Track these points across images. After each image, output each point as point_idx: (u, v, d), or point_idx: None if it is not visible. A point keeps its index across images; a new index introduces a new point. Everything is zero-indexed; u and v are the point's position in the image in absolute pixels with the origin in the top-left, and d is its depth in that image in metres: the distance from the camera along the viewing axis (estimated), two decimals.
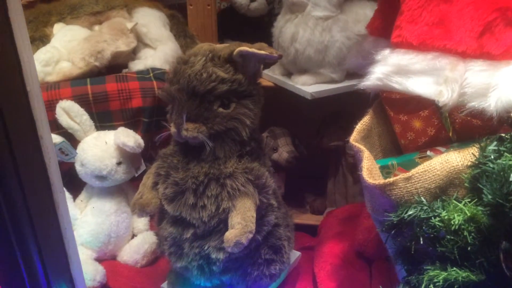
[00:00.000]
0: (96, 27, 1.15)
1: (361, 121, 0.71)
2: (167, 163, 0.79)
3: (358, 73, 1.14)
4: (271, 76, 1.32)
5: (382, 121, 0.73)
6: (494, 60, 0.56)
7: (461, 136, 0.65)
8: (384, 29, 0.80)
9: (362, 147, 0.65)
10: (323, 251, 0.93)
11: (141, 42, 1.18)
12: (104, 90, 1.02)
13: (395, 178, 0.59)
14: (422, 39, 0.61)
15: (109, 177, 0.98)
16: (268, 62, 0.82)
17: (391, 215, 0.59)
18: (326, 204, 1.43)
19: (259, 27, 1.38)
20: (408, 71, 0.63)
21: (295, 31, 1.17)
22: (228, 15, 1.36)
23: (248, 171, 0.76)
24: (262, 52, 0.74)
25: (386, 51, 0.67)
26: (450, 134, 0.65)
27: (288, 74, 1.30)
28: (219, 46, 0.79)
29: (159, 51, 1.14)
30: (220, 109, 0.74)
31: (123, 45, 1.09)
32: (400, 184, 0.59)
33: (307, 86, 1.23)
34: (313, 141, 1.43)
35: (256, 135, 0.81)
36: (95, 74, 1.06)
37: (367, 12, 1.24)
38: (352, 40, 1.20)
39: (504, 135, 0.54)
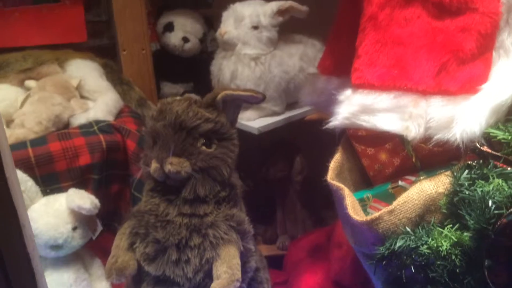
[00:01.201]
0: (31, 82, 1.07)
1: (334, 159, 0.75)
2: (144, 222, 0.76)
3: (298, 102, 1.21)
4: None
5: (351, 156, 0.77)
6: (452, 95, 0.63)
7: (424, 163, 0.71)
8: (335, 68, 0.85)
9: (341, 185, 0.68)
10: (300, 285, 0.94)
11: None
12: (47, 151, 0.94)
13: (379, 213, 0.63)
14: (383, 80, 0.66)
15: (65, 245, 0.91)
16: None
17: (380, 248, 0.63)
18: (277, 233, 1.46)
19: (193, 66, 1.39)
20: (374, 109, 0.67)
21: (234, 68, 1.19)
22: (161, 57, 1.35)
23: (229, 217, 0.77)
24: (247, 93, 0.77)
25: (348, 92, 0.71)
26: (414, 161, 0.71)
27: None
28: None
29: (100, 102, 1.09)
30: (203, 148, 0.76)
31: (78, 108, 1.03)
32: (385, 217, 0.63)
33: (252, 121, 1.25)
34: (259, 173, 1.45)
35: (235, 180, 0.82)
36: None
37: (298, 45, 1.31)
38: (289, 74, 1.26)
39: (471, 162, 0.60)
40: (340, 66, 0.84)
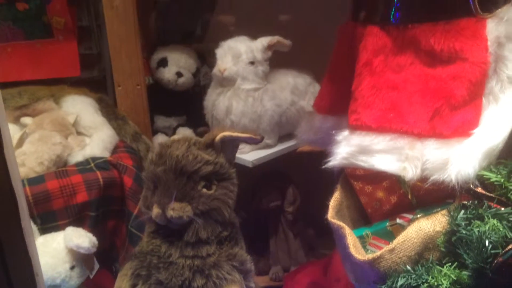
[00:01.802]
0: (27, 119, 1.07)
1: (333, 198, 0.77)
2: (146, 263, 0.76)
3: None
4: None
5: (349, 193, 0.79)
6: (446, 138, 0.66)
7: (420, 200, 0.74)
8: (331, 107, 0.88)
9: (342, 224, 0.70)
10: None
11: None
12: (45, 189, 0.94)
13: (381, 252, 0.65)
14: (379, 123, 0.70)
15: (63, 285, 0.90)
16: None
17: (382, 286, 0.65)
18: (270, 264, 1.46)
19: (186, 99, 1.41)
20: (371, 150, 0.70)
21: (229, 104, 1.22)
22: (154, 91, 1.37)
23: (232, 257, 0.77)
24: (246, 135, 0.78)
25: (346, 132, 0.74)
26: (411, 199, 0.74)
27: None
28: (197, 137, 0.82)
29: (96, 138, 1.10)
30: (204, 190, 0.76)
31: (76, 145, 1.04)
32: (386, 256, 0.65)
33: (246, 154, 1.27)
34: (251, 203, 1.46)
35: (234, 218, 0.83)
36: None
37: (289, 79, 1.35)
38: (281, 107, 1.30)
39: (466, 203, 0.64)
40: (335, 105, 0.87)
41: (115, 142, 1.14)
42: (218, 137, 0.78)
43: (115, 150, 1.13)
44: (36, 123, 1.05)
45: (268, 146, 1.31)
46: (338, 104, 0.86)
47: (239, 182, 1.45)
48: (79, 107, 1.14)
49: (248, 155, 1.27)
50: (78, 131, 1.13)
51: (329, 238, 0.80)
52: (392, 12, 0.70)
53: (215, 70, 1.19)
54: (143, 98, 1.26)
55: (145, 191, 0.80)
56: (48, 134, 1.02)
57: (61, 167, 1.01)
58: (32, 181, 0.95)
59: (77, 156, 1.05)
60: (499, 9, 0.66)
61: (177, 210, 0.73)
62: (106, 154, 1.08)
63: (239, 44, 1.22)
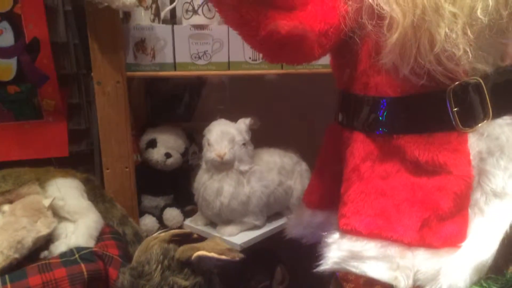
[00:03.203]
0: (6, 207, 1.05)
1: None
2: None
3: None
4: (193, 227, 1.33)
5: None
6: (436, 249, 0.67)
7: None
8: (320, 202, 0.89)
9: None
10: None
11: (57, 216, 1.10)
12: (27, 286, 0.91)
13: None
14: (369, 230, 0.70)
15: None
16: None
17: None
18: None
19: (174, 179, 1.41)
20: (362, 256, 0.70)
21: (219, 186, 1.23)
22: (142, 171, 1.37)
23: None
24: (223, 257, 0.76)
25: (336, 235, 0.74)
26: None
27: (211, 223, 1.33)
28: (170, 245, 0.80)
29: (81, 226, 1.08)
30: None
31: (44, 227, 1.01)
32: None
33: (234, 236, 1.26)
34: (239, 284, 1.43)
35: None
36: (14, 266, 0.95)
37: (276, 159, 1.37)
38: (269, 188, 1.31)
39: None
40: (325, 200, 0.88)
41: (100, 228, 1.12)
42: (194, 257, 0.77)
43: (100, 237, 1.11)
44: (10, 210, 1.03)
45: (256, 227, 1.31)
46: (327, 199, 0.87)
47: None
48: (65, 191, 1.12)
49: (236, 238, 1.26)
50: (63, 216, 1.11)
51: None
52: (377, 123, 0.73)
53: (213, 156, 1.18)
54: (131, 180, 1.26)
55: None
56: (13, 221, 0.99)
57: (24, 254, 0.96)
58: (14, 277, 0.91)
59: (61, 247, 1.02)
60: (479, 124, 0.69)
61: None
62: (91, 243, 1.06)
63: (229, 128, 1.25)
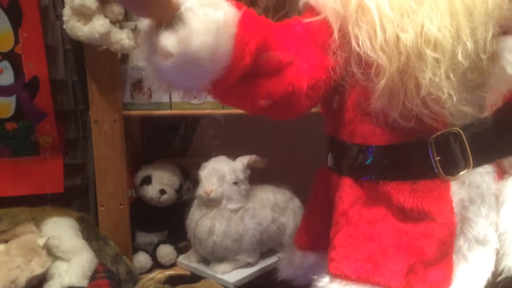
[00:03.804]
0: (1, 247, 1.06)
1: None
2: None
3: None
4: (187, 264, 1.34)
5: None
6: None
7: None
8: (311, 244, 0.91)
9: None
10: None
11: (52, 256, 1.11)
12: None
13: None
14: (358, 274, 0.72)
15: None
16: None
17: None
18: None
19: (168, 215, 1.42)
20: None
21: (211, 224, 1.24)
22: (136, 207, 1.38)
23: None
24: None
25: (326, 279, 0.76)
26: None
27: (205, 260, 1.33)
28: (165, 286, 0.81)
29: (75, 265, 1.08)
30: None
31: (38, 266, 1.01)
32: None
33: (227, 274, 1.27)
34: None
35: None
36: None
37: (269, 196, 1.39)
38: (262, 225, 1.32)
39: None
40: (316, 242, 0.90)
41: (94, 267, 1.13)
42: None
43: (94, 276, 1.11)
44: (5, 250, 1.04)
45: (249, 265, 1.32)
46: (318, 240, 0.89)
47: None
48: (59, 230, 1.14)
49: (230, 276, 1.26)
50: (57, 255, 1.12)
51: None
52: (364, 170, 0.76)
53: (201, 192, 1.22)
54: (125, 217, 1.27)
55: None
56: (7, 260, 0.99)
57: None
58: None
59: (55, 286, 1.03)
60: (461, 173, 0.72)
61: None
62: (85, 282, 1.06)
63: (223, 166, 1.27)
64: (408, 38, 0.63)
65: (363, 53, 0.67)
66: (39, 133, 1.35)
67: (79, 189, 1.53)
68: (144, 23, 0.61)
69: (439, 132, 0.71)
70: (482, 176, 0.72)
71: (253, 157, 1.31)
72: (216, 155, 1.33)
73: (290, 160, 1.59)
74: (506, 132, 0.75)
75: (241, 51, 0.61)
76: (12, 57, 1.29)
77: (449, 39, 0.63)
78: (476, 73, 0.68)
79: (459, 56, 0.64)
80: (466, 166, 0.72)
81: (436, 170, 0.72)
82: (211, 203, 1.23)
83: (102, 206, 1.25)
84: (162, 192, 1.36)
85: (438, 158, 0.71)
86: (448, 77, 0.64)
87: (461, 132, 0.71)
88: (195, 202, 1.28)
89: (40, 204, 1.38)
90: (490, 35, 0.64)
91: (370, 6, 0.65)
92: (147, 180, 1.37)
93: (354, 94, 0.73)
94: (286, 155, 1.59)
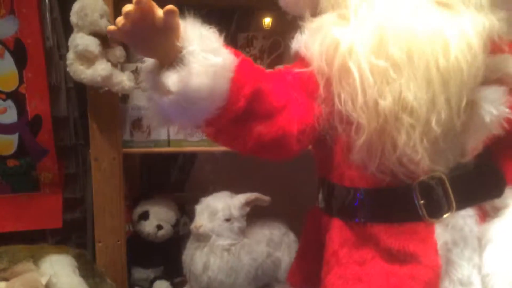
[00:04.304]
0: (2, 285, 1.07)
1: None
2: None
3: None
4: None
5: None
6: None
7: None
8: (304, 282, 0.93)
9: None
10: None
11: None
12: None
13: None
14: None
15: None
16: None
17: None
18: None
19: (165, 250, 1.44)
20: None
21: (206, 259, 1.25)
22: (133, 242, 1.40)
23: None
24: None
25: None
26: None
27: None
28: None
29: None
30: None
31: None
32: None
33: None
34: None
35: None
36: None
37: (265, 231, 1.40)
38: (257, 261, 1.33)
39: None
40: (308, 280, 0.92)
41: None
42: None
43: None
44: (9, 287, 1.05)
45: None
46: (311, 278, 0.91)
47: None
48: (57, 268, 1.15)
49: None
50: None
51: None
52: (353, 212, 0.79)
53: (192, 226, 1.25)
54: (122, 253, 1.29)
55: None
56: None
57: None
58: None
59: None
60: (444, 216, 0.75)
61: None
62: None
63: (217, 202, 1.30)
64: (386, 104, 0.67)
65: (345, 111, 0.71)
66: (40, 170, 1.38)
67: (78, 223, 1.56)
68: (146, 62, 0.66)
69: (423, 177, 0.74)
70: (465, 219, 0.75)
71: (253, 195, 1.31)
72: (214, 190, 1.35)
73: (285, 194, 1.61)
74: (486, 176, 0.78)
75: (236, 94, 0.66)
76: (16, 97, 1.34)
77: (424, 108, 0.67)
78: (450, 137, 0.72)
79: (433, 124, 0.68)
80: (449, 209, 0.75)
81: (421, 213, 0.75)
82: (202, 238, 1.25)
83: (100, 242, 1.27)
84: (159, 227, 1.38)
85: (422, 201, 0.74)
86: (422, 141, 0.68)
87: (444, 176, 0.75)
88: (191, 236, 1.30)
89: (39, 237, 1.41)
90: (464, 103, 0.69)
91: (353, 69, 0.69)
92: (145, 216, 1.39)
93: (340, 141, 0.77)
94: (282, 189, 1.61)
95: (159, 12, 0.59)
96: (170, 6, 0.58)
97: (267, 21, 1.58)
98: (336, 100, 0.72)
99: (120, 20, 0.57)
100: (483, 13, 0.71)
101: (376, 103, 0.68)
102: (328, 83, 0.74)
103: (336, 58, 0.72)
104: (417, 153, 0.68)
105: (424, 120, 0.67)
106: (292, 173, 1.63)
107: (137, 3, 0.56)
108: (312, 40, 0.77)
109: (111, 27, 0.58)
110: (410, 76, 0.67)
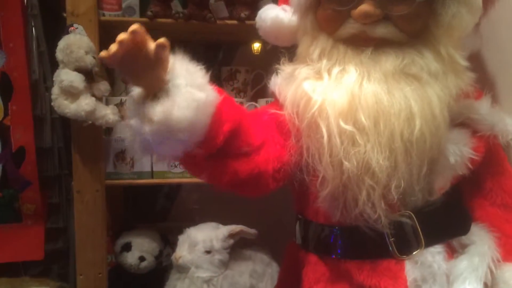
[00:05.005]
0: None
1: None
2: None
3: None
4: None
5: None
6: None
7: None
8: None
9: None
10: None
11: None
12: None
13: None
14: None
15: None
16: None
17: None
18: None
19: (147, 281, 1.43)
20: None
21: None
22: (116, 274, 1.39)
23: None
24: None
25: None
26: None
27: None
28: None
29: None
30: None
31: None
32: None
33: None
34: None
35: None
36: None
37: (249, 263, 1.41)
38: None
39: None
40: None
41: None
42: None
43: None
44: None
45: None
46: None
47: None
48: None
49: None
50: None
51: None
52: (327, 248, 0.81)
53: (172, 257, 1.25)
54: (103, 285, 1.29)
55: None
56: None
57: None
58: None
59: None
60: (414, 252, 0.78)
61: None
62: None
63: (199, 233, 1.30)
64: (350, 165, 0.70)
65: (312, 163, 0.75)
66: (22, 201, 1.39)
67: (60, 253, 1.55)
68: (133, 91, 0.67)
69: (393, 215, 0.77)
70: (434, 255, 0.77)
71: (238, 228, 1.31)
72: (200, 220, 1.36)
73: (273, 224, 1.62)
74: (453, 213, 0.82)
75: (215, 129, 0.68)
76: (1, 128, 1.35)
77: (384, 173, 0.70)
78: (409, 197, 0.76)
79: (392, 189, 0.71)
80: (419, 246, 0.78)
81: (391, 249, 0.77)
82: (181, 269, 1.26)
83: (81, 275, 1.27)
84: (142, 259, 1.38)
85: (393, 239, 0.77)
86: (380, 203, 0.72)
87: (413, 214, 0.78)
88: (173, 267, 1.31)
89: (20, 268, 1.40)
90: (424, 171, 0.73)
91: (322, 128, 0.73)
92: (127, 247, 1.39)
93: (313, 182, 0.80)
94: (269, 219, 1.62)
95: (151, 44, 0.61)
96: (162, 40, 0.61)
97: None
98: (305, 152, 0.75)
99: (113, 47, 0.59)
100: (452, 78, 0.75)
101: (341, 163, 0.71)
102: (299, 133, 0.77)
103: (306, 113, 0.75)
104: (375, 213, 0.72)
105: (384, 185, 0.71)
106: (280, 203, 1.65)
107: (132, 33, 0.58)
108: (286, 86, 0.80)
109: (103, 53, 0.59)
110: (375, 143, 0.70)
